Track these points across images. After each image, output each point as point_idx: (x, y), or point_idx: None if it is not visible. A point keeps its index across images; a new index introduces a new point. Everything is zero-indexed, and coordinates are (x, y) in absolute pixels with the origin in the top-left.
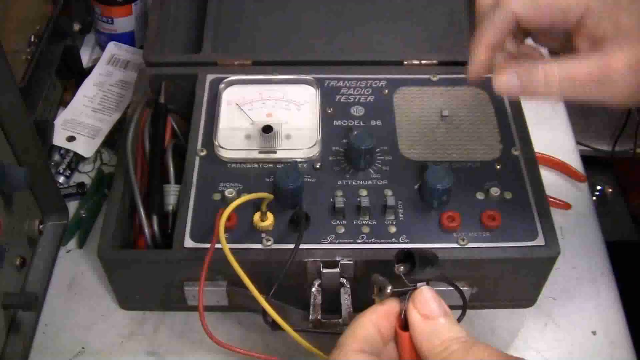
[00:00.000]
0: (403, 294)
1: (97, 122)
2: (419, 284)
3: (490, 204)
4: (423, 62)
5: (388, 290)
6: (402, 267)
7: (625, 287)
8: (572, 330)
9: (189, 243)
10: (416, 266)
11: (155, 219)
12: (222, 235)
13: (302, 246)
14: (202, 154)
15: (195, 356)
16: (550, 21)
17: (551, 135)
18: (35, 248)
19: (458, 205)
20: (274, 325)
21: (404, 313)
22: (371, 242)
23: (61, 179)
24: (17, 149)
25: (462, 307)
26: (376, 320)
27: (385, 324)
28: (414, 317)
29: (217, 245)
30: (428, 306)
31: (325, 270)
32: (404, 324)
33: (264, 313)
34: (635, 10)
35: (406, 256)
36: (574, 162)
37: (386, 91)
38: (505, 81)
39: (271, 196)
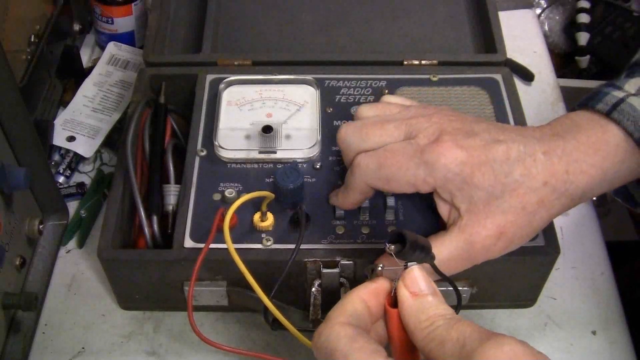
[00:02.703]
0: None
1: (97, 122)
2: (409, 264)
3: None
4: (423, 62)
5: (379, 268)
6: (392, 247)
7: (625, 287)
8: (572, 330)
9: (189, 243)
10: (406, 246)
11: (155, 219)
12: (228, 235)
13: (302, 246)
14: (202, 154)
15: (195, 356)
16: (402, 192)
17: None
18: (35, 248)
19: None
20: (275, 325)
21: (394, 291)
22: (371, 242)
23: (61, 179)
24: (17, 149)
25: (456, 307)
26: (365, 296)
27: (374, 302)
28: (403, 293)
29: (213, 245)
30: (417, 284)
31: (325, 270)
32: (393, 301)
33: (266, 312)
34: (484, 183)
35: (397, 237)
36: None
37: (386, 91)
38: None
39: (272, 195)
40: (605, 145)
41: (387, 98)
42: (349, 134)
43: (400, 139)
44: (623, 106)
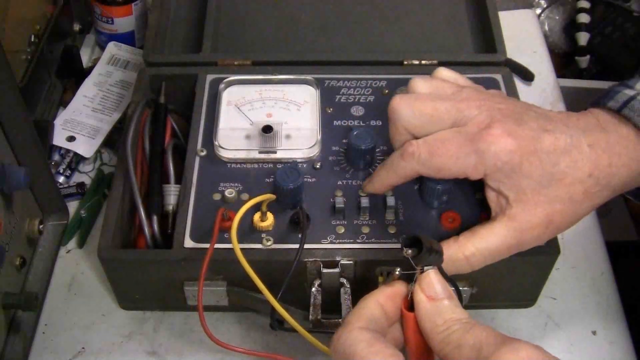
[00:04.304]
0: (410, 277)
1: (97, 122)
2: (426, 268)
3: None
4: (423, 62)
5: (397, 272)
6: (409, 251)
7: (625, 287)
8: (572, 330)
9: (189, 243)
10: (423, 251)
11: (155, 219)
12: (235, 240)
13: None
14: (202, 154)
15: (195, 356)
16: (452, 178)
17: None
18: (35, 248)
19: (458, 205)
20: (275, 325)
21: (410, 295)
22: (371, 242)
23: (61, 179)
24: (17, 149)
25: None
26: (382, 300)
27: (391, 306)
28: (420, 298)
29: (216, 245)
30: (433, 288)
31: (325, 270)
32: (409, 305)
33: (272, 312)
34: (533, 172)
35: (412, 242)
36: None
37: (386, 91)
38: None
39: (273, 196)
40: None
41: (441, 72)
42: (402, 106)
43: (449, 123)
44: (634, 103)
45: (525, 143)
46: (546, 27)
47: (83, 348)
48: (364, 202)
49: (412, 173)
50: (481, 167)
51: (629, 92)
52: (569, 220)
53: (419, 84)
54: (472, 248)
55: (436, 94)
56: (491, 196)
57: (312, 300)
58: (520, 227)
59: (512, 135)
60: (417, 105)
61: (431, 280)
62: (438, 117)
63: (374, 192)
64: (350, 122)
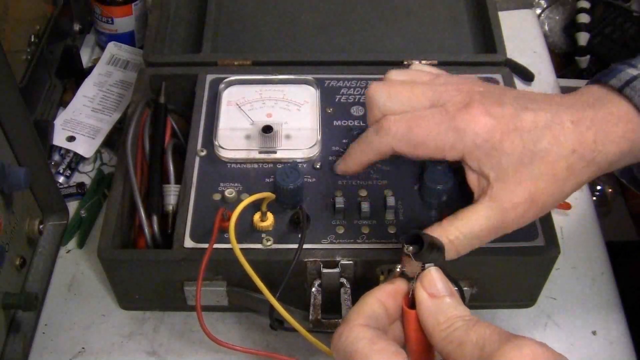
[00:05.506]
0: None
1: (97, 122)
2: (427, 265)
3: None
4: (423, 62)
5: (398, 270)
6: (410, 248)
7: (625, 287)
8: (572, 330)
9: (189, 243)
10: (424, 247)
11: (155, 219)
12: (233, 237)
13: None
14: (202, 154)
15: (195, 356)
16: (429, 158)
17: None
18: (35, 248)
19: (458, 206)
20: (277, 325)
21: (411, 292)
22: (371, 242)
23: (61, 179)
24: (17, 149)
25: None
26: (383, 298)
27: (392, 303)
28: (421, 295)
29: (215, 245)
30: (435, 286)
31: (325, 270)
32: (411, 302)
33: (271, 312)
34: (514, 150)
35: (413, 239)
36: None
37: None
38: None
39: (273, 195)
40: (636, 117)
41: (417, 65)
42: (377, 91)
43: (427, 104)
44: (636, 83)
45: (505, 121)
46: (546, 27)
47: (83, 348)
48: (364, 206)
49: (387, 149)
50: (459, 145)
51: (633, 72)
52: (554, 198)
53: (395, 72)
54: (456, 232)
55: (412, 80)
56: (472, 178)
57: (312, 300)
58: (502, 206)
59: (491, 114)
60: (393, 89)
61: (432, 278)
62: (415, 99)
63: (347, 171)
64: (350, 122)
